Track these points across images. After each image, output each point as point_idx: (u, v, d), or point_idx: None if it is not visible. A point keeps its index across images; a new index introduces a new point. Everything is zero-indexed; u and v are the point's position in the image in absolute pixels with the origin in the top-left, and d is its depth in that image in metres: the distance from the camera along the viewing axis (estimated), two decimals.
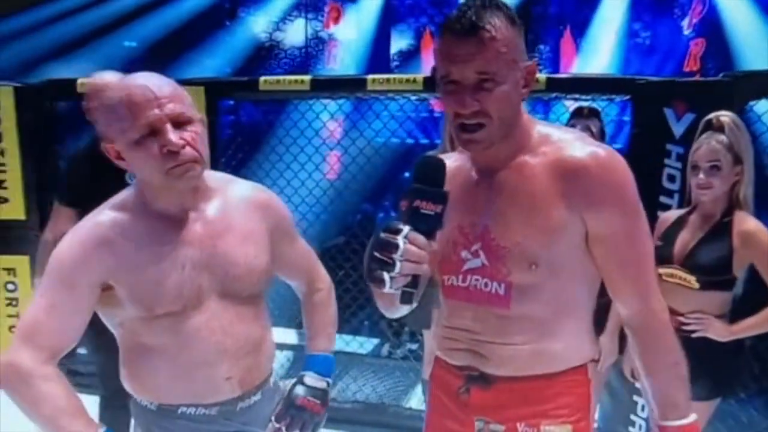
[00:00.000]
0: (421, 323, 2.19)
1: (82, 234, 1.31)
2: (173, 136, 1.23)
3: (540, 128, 1.25)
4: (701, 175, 2.11)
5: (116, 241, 1.29)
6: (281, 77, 3.18)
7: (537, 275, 1.20)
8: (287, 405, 1.44)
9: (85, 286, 1.27)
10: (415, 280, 1.08)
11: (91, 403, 1.35)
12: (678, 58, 6.23)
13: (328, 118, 3.49)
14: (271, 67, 7.55)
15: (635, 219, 1.21)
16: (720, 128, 2.11)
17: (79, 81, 3.36)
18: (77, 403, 1.25)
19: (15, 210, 3.46)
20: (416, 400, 3.45)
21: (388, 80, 3.02)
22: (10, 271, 3.49)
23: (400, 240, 1.05)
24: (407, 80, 2.99)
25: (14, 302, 3.51)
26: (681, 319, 2.15)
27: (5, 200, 3.47)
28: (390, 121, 3.42)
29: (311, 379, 1.49)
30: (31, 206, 3.49)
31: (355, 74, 5.04)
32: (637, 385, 2.58)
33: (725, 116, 2.12)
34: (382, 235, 1.06)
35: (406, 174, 4.49)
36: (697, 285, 2.13)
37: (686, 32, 6.24)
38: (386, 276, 1.05)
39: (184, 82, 1.34)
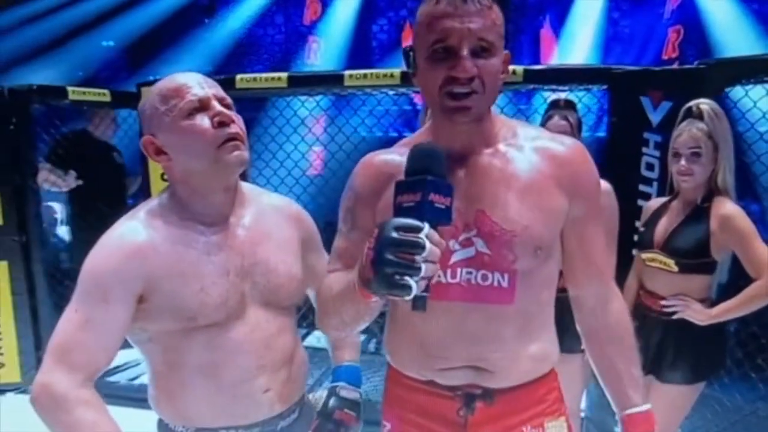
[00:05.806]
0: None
1: (116, 241, 1.21)
2: (223, 109, 1.22)
3: (503, 119, 1.24)
4: (683, 162, 2.13)
5: (154, 246, 1.21)
6: (258, 75, 3.15)
7: (538, 261, 1.15)
8: (325, 419, 1.40)
9: (121, 299, 1.18)
10: (428, 283, 0.97)
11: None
12: (657, 45, 6.25)
13: (307, 114, 3.46)
14: (251, 64, 7.48)
15: (600, 209, 1.26)
16: (699, 116, 2.13)
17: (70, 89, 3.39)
18: (116, 430, 1.15)
19: None
20: None
21: (365, 75, 3.00)
22: None
23: (424, 239, 0.93)
24: (385, 75, 2.98)
25: None
26: (662, 302, 2.18)
27: None
28: (369, 116, 3.40)
29: (345, 390, 1.45)
30: (9, 211, 3.44)
31: (333, 70, 4.99)
32: None
33: (705, 104, 2.14)
34: (400, 234, 0.93)
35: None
36: (676, 268, 2.16)
37: (665, 20, 6.27)
38: (412, 281, 0.93)
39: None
